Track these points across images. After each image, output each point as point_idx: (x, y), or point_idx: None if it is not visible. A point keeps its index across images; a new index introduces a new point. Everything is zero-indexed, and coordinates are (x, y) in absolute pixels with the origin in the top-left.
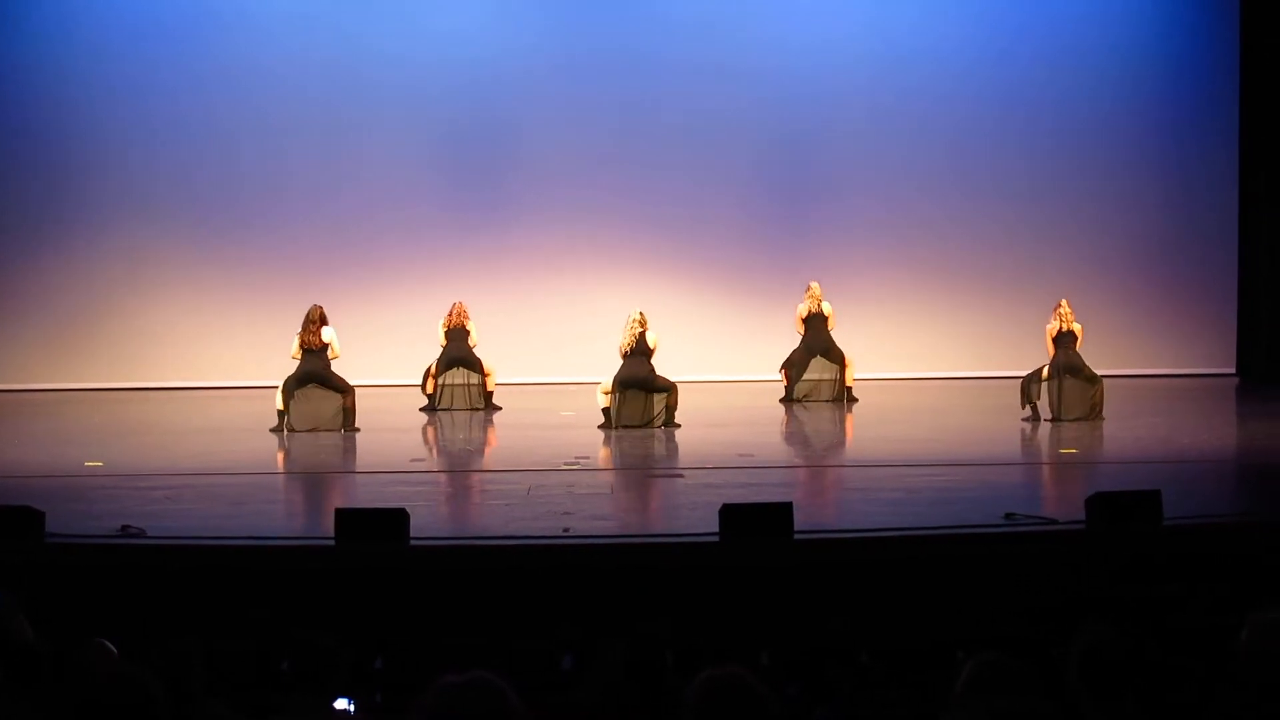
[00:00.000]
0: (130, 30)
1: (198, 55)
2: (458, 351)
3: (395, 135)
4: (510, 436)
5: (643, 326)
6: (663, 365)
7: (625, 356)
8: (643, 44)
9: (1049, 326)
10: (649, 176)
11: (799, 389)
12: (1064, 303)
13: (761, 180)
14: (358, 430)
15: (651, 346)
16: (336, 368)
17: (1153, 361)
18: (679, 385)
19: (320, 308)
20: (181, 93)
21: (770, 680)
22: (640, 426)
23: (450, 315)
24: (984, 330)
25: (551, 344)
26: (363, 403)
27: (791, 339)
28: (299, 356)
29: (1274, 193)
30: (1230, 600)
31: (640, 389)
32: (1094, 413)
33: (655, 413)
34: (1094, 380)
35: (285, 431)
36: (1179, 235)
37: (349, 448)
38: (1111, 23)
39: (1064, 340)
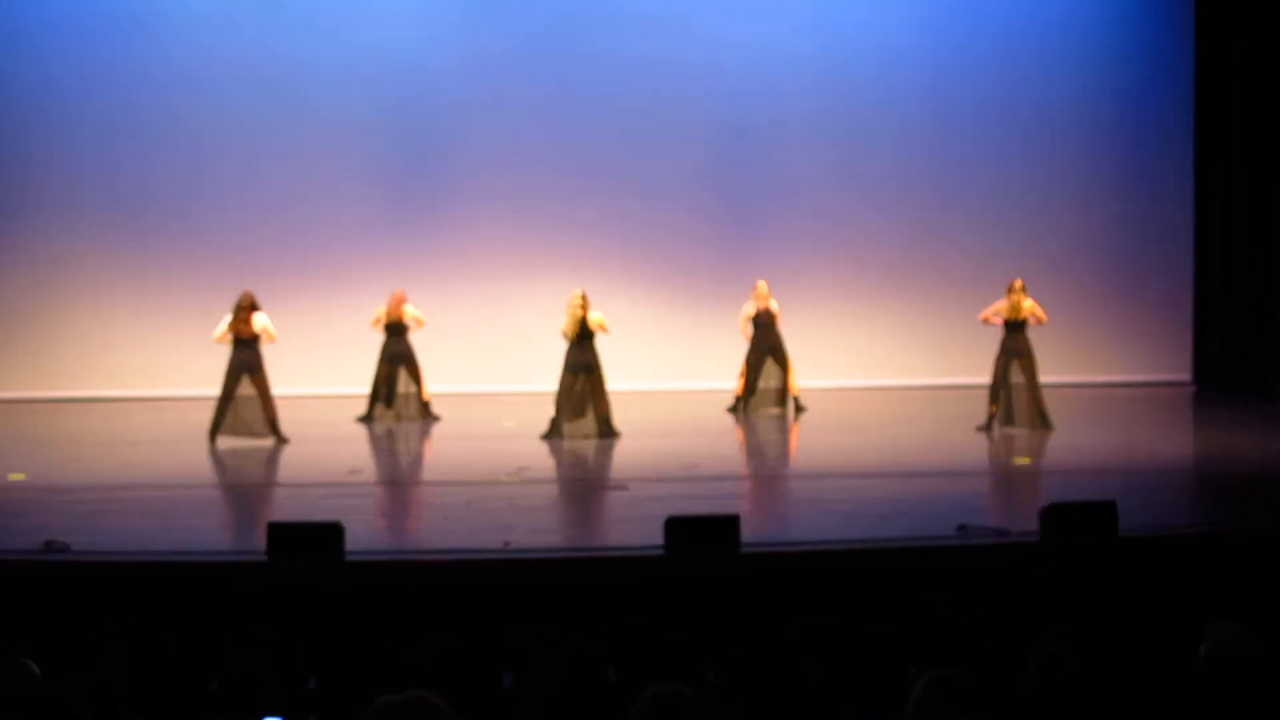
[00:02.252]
0: (46, 25)
1: (119, 50)
2: (398, 347)
3: (325, 131)
4: (449, 447)
5: (583, 310)
6: (606, 371)
7: (570, 341)
8: (589, 35)
9: (998, 304)
10: (594, 176)
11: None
12: (1017, 284)
13: (710, 181)
14: (286, 440)
15: (594, 328)
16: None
17: (1108, 369)
18: (623, 393)
19: (251, 294)
20: (101, 91)
21: (716, 698)
22: (581, 435)
23: (389, 306)
24: (936, 337)
25: (492, 350)
26: (295, 412)
27: (739, 344)
28: (225, 340)
29: (1230, 198)
30: (1189, 612)
31: (587, 372)
32: (1041, 421)
33: (596, 415)
34: (1034, 383)
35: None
36: (1135, 241)
37: (282, 459)
38: (1066, 27)
39: (1015, 325)
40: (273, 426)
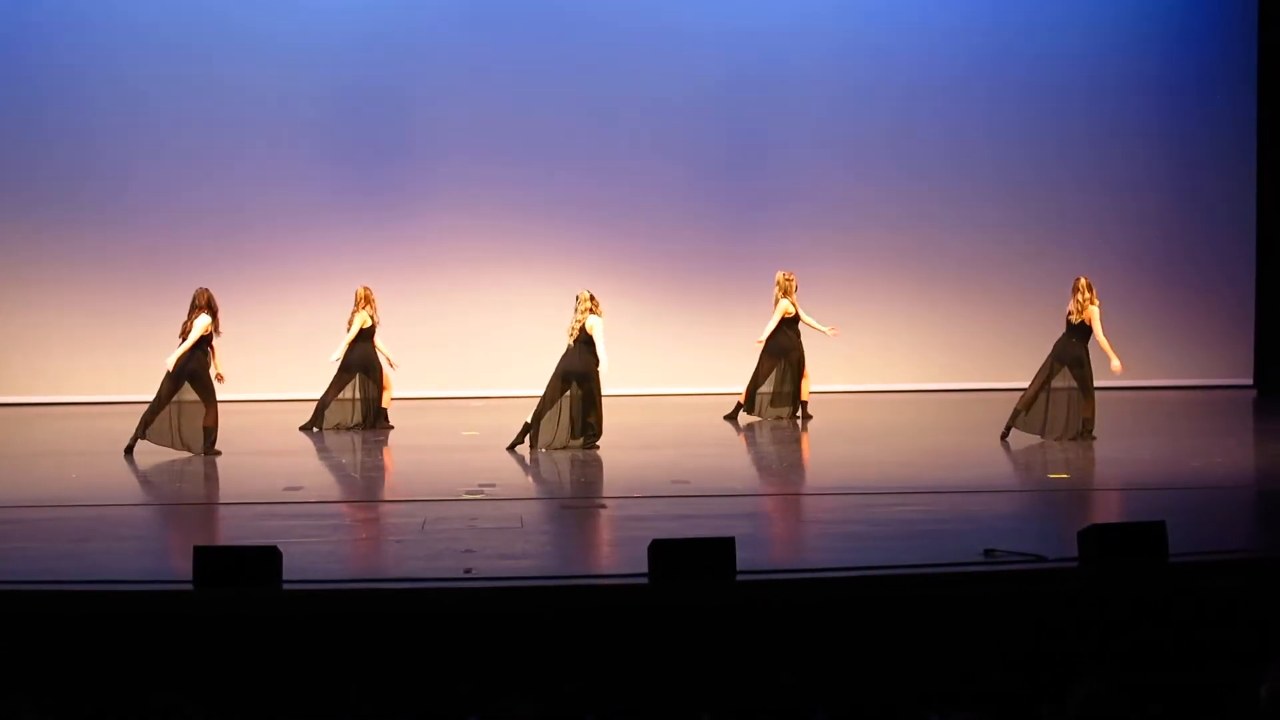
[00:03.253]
0: None
1: (31, 6)
2: (356, 353)
3: (274, 111)
4: (404, 460)
5: (586, 313)
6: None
7: (570, 345)
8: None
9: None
10: (579, 159)
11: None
12: (1081, 282)
13: (710, 168)
14: (218, 453)
15: (588, 331)
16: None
17: (1162, 372)
18: (606, 399)
19: (206, 291)
20: (21, 66)
21: None
22: (558, 447)
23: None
24: (966, 339)
25: (454, 353)
26: (230, 420)
27: (740, 343)
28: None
29: None
30: (1247, 648)
31: (577, 381)
32: (1083, 430)
33: (577, 427)
34: (1087, 392)
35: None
36: (1192, 233)
37: (211, 474)
38: (1124, 18)
39: (1074, 329)
40: (209, 439)
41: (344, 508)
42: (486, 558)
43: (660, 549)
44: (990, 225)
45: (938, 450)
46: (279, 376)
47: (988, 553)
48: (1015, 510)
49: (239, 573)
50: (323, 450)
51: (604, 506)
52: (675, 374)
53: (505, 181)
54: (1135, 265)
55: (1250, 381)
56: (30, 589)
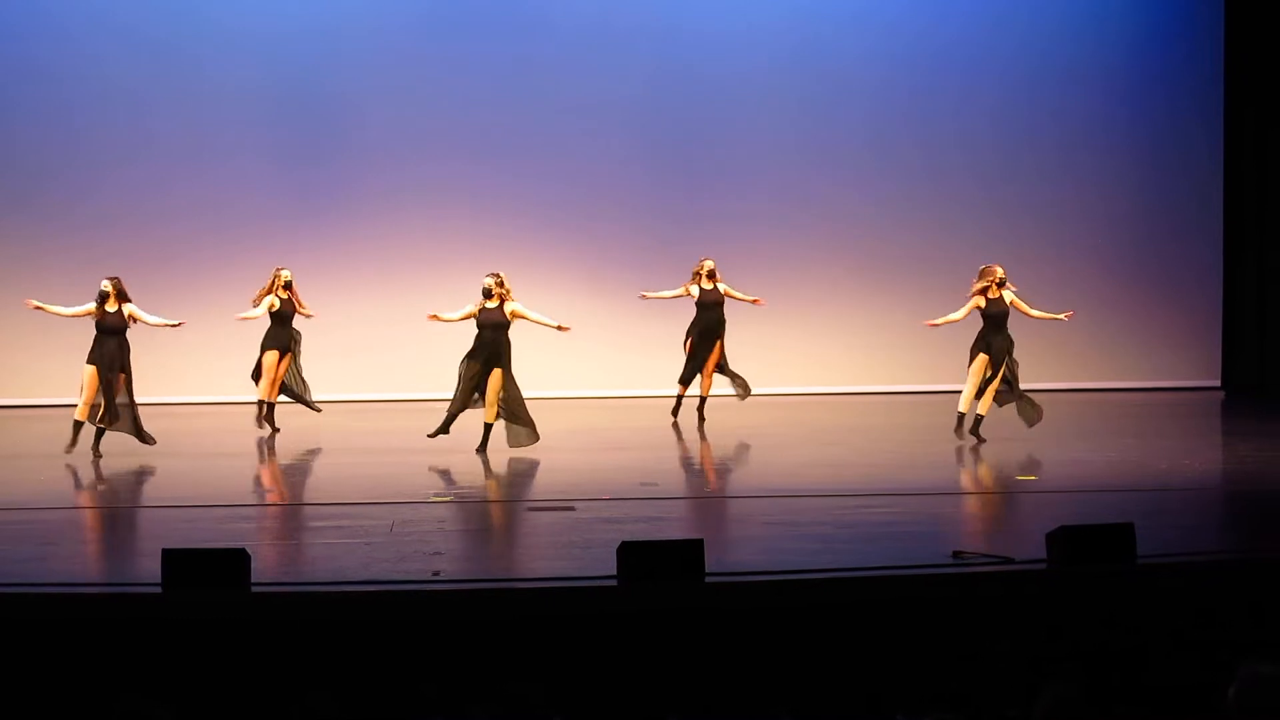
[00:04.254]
0: None
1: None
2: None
3: (215, 108)
4: (371, 463)
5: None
6: (548, 378)
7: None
8: None
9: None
10: (521, 156)
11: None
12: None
13: (654, 157)
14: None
15: (508, 315)
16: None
17: (1129, 374)
18: (566, 401)
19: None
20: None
21: None
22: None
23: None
24: (933, 340)
25: (414, 355)
26: (189, 423)
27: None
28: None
29: (1263, 192)
30: (1216, 650)
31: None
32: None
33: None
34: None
35: (95, 456)
36: (1159, 236)
37: (177, 476)
38: (1091, 20)
39: (996, 312)
40: (136, 428)
41: (312, 510)
42: (454, 560)
43: (629, 551)
44: (957, 227)
45: (905, 452)
46: (229, 377)
47: (956, 555)
48: (983, 512)
49: (207, 575)
50: (290, 452)
51: (572, 509)
52: (643, 376)
53: (469, 184)
54: (1103, 267)
55: (1218, 383)
56: None
